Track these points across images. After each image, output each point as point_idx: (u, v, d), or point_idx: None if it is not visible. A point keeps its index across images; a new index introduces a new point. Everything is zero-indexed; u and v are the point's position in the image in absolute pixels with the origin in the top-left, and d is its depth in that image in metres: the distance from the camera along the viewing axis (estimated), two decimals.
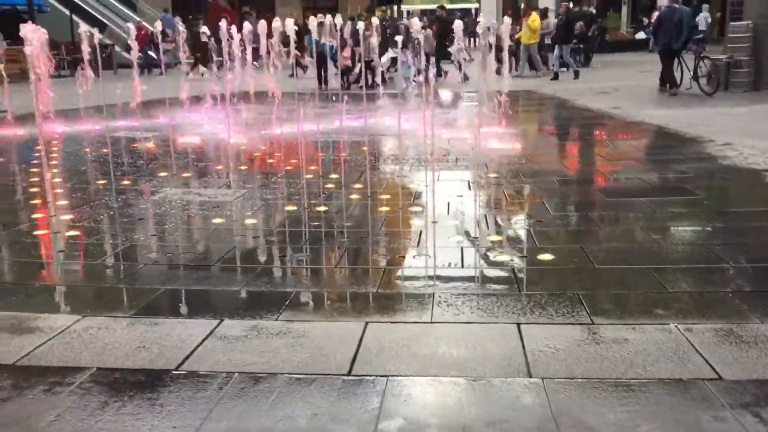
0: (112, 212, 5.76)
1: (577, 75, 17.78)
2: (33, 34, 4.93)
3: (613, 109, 11.95)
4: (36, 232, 5.23)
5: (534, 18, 18.82)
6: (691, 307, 3.59)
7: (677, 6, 13.94)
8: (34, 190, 6.63)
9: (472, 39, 20.06)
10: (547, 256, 4.43)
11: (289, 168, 7.47)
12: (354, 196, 6.16)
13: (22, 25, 5.10)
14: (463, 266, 4.31)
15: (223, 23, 8.66)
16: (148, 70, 21.82)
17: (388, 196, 6.20)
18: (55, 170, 7.63)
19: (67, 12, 23.48)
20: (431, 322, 3.46)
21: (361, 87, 17.28)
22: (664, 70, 13.90)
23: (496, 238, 4.88)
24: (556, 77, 17.71)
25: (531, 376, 2.87)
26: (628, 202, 5.77)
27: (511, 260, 4.38)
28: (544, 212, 5.51)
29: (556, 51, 18.52)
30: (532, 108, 13.68)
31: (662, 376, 2.84)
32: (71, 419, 2.62)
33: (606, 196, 6.11)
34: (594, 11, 23.47)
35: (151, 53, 21.90)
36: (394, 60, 18.25)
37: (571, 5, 20.50)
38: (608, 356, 3.03)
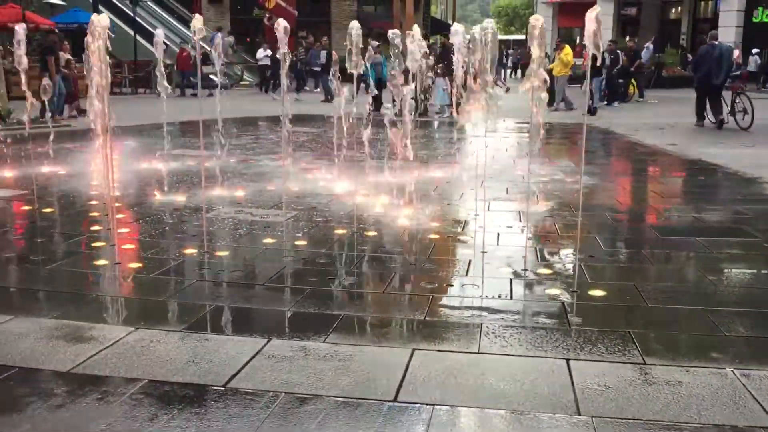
0: (167, 227, 5.89)
1: (593, 112, 17.33)
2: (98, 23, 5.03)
3: (669, 145, 11.75)
4: (94, 243, 5.38)
5: (567, 51, 18.70)
6: (748, 352, 3.48)
7: (717, 42, 14.25)
8: (94, 202, 6.84)
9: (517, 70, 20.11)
10: (598, 292, 4.36)
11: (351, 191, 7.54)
12: (404, 222, 6.18)
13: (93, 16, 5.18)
14: (511, 298, 4.27)
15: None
16: (182, 92, 22.22)
17: (437, 224, 6.20)
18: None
19: (132, 32, 24.31)
20: (478, 353, 3.43)
21: (420, 114, 17.50)
22: (698, 104, 14.43)
23: (546, 271, 4.82)
24: (592, 112, 17.36)
25: (580, 414, 2.82)
26: (683, 240, 5.65)
27: (561, 294, 4.33)
28: (597, 247, 5.43)
29: (584, 84, 18.33)
30: (587, 142, 13.53)
31: (717, 422, 2.75)
32: (121, 429, 2.68)
33: (660, 233, 5.99)
34: (632, 45, 23.14)
35: (193, 78, 22.31)
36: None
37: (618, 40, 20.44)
38: (660, 398, 2.96)
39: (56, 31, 19.50)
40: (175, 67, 22.68)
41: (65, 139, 11.21)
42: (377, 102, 17.75)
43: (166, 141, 9.48)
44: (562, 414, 2.81)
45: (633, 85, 21.17)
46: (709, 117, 14.39)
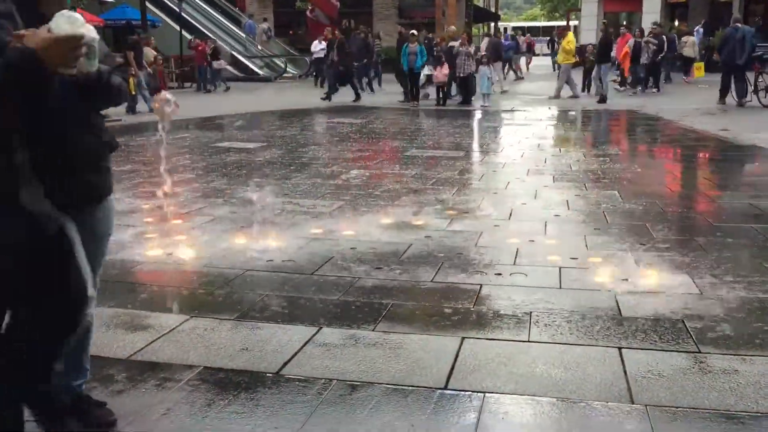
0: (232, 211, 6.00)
1: (603, 100, 16.91)
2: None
3: (721, 131, 11.45)
4: (149, 234, 5.51)
5: (569, 39, 18.66)
6: None
7: (739, 26, 15.35)
8: (151, 189, 7.01)
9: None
10: (649, 281, 4.30)
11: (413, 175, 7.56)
12: (452, 212, 6.18)
13: None
14: (561, 287, 4.23)
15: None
16: (204, 87, 21.78)
17: (487, 212, 6.18)
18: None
19: (177, 27, 24.67)
20: (528, 341, 3.42)
21: (459, 103, 17.40)
22: (723, 85, 15.33)
23: (596, 259, 4.77)
24: (602, 100, 16.93)
25: (633, 402, 2.79)
26: (737, 228, 5.52)
27: (612, 282, 4.28)
28: (648, 235, 5.34)
29: (594, 71, 17.94)
30: (636, 128, 13.29)
31: None
32: (180, 414, 2.75)
33: (714, 221, 5.87)
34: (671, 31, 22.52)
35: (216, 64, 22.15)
36: (428, 77, 18.47)
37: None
38: (716, 387, 2.91)
39: (135, 29, 20.01)
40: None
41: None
42: (409, 94, 17.71)
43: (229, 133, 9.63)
44: (615, 402, 2.79)
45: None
46: (733, 95, 15.11)
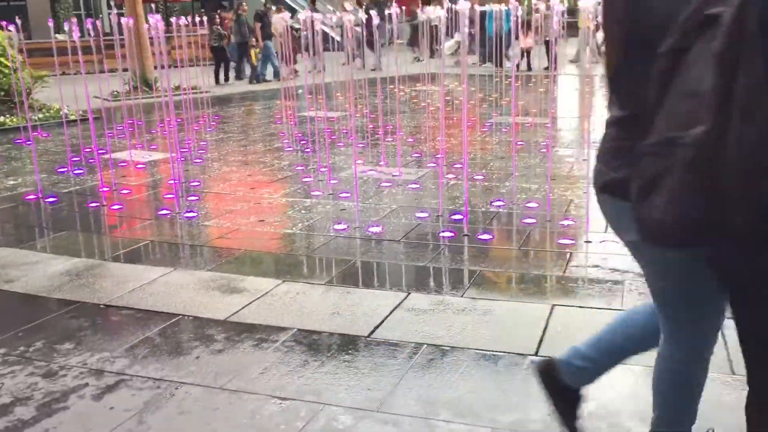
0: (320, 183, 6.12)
1: None
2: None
3: None
4: (240, 203, 5.69)
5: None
6: None
7: None
8: (251, 158, 7.21)
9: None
10: None
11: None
12: (539, 180, 6.08)
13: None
14: None
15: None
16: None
17: (573, 181, 6.05)
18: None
19: None
20: (622, 309, 3.35)
21: (545, 68, 16.97)
22: None
23: None
24: None
25: (734, 373, 2.71)
26: None
27: None
28: None
29: None
30: None
31: None
32: (276, 373, 2.86)
33: None
34: None
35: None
36: (459, 43, 17.90)
37: None
38: None
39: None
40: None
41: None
42: (488, 57, 17.38)
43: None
44: (716, 374, 2.70)
45: None
46: None
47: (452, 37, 20.75)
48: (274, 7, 17.92)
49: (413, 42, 20.01)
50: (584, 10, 5.50)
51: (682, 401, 1.98)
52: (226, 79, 16.41)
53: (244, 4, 17.34)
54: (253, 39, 16.39)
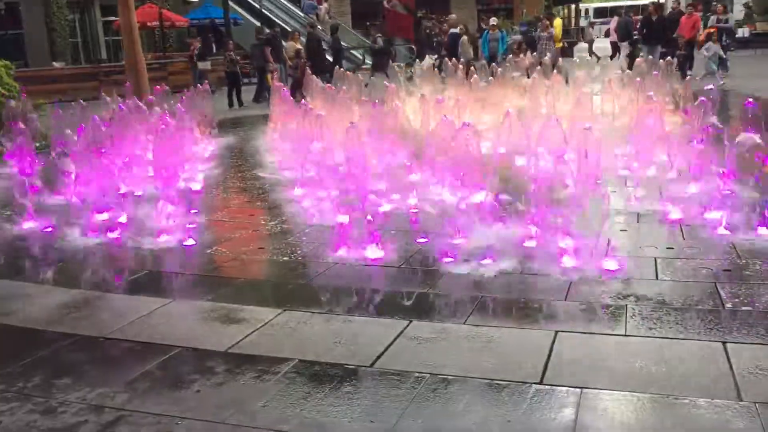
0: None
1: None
2: None
3: None
4: (237, 230, 5.67)
5: (556, 24, 18.70)
6: None
7: None
8: (239, 185, 7.19)
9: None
10: (752, 270, 4.10)
11: None
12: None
13: None
14: (657, 278, 4.09)
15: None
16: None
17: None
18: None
19: (258, 24, 25.16)
20: (625, 335, 3.33)
21: None
22: None
23: (692, 250, 4.58)
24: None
25: (741, 400, 2.68)
26: None
27: (712, 272, 4.10)
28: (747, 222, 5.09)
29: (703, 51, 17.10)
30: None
31: None
32: (278, 406, 2.82)
33: None
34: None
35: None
36: (433, 65, 18.41)
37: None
38: None
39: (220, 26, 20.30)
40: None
41: None
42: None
43: None
44: (721, 399, 2.68)
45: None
46: None
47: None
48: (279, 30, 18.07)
49: (377, 68, 19.81)
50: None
51: None
52: (240, 104, 16.46)
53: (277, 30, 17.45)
54: (270, 64, 16.50)
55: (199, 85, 18.85)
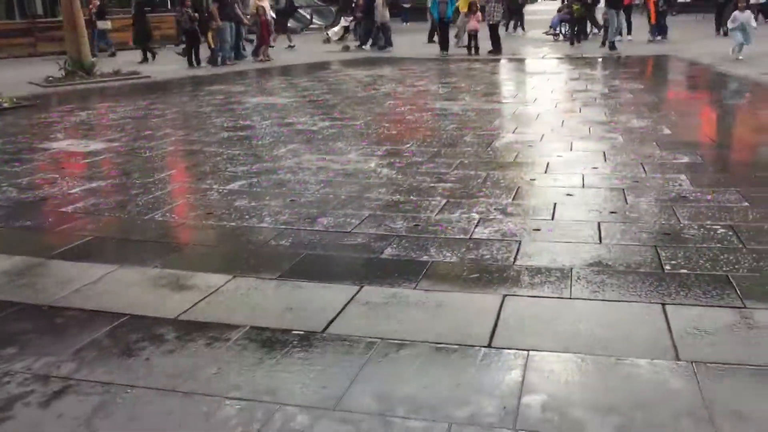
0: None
1: (613, 47, 16.49)
2: None
3: (764, 75, 11.12)
4: (187, 195, 5.57)
5: None
6: None
7: None
8: (193, 147, 7.05)
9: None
10: (691, 233, 4.25)
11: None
12: (484, 168, 6.14)
13: None
14: (600, 242, 4.21)
15: None
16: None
17: (520, 165, 6.13)
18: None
19: None
20: (570, 298, 3.42)
21: (489, 52, 17.09)
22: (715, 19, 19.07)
23: (635, 213, 4.72)
24: (612, 47, 16.43)
25: (679, 359, 2.79)
26: None
27: (653, 237, 4.23)
28: (689, 186, 5.26)
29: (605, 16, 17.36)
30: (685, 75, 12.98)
31: None
32: (231, 373, 2.82)
33: (760, 171, 5.74)
34: None
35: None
36: (345, 29, 18.84)
37: None
38: (764, 342, 2.89)
39: None
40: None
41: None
42: (443, 43, 17.54)
43: None
44: (660, 360, 2.79)
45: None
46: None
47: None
48: None
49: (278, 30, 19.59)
50: None
51: None
52: (198, 62, 16.05)
53: None
54: (214, 22, 16.06)
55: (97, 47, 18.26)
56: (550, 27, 20.33)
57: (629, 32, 19.07)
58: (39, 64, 16.88)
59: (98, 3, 19.36)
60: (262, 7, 16.78)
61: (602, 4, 18.73)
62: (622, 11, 17.19)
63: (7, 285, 3.79)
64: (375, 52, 18.86)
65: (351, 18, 19.72)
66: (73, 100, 11.73)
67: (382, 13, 18.45)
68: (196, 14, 16.29)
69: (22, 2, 25.62)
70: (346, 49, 18.95)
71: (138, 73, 14.42)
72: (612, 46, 16.52)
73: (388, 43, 19.01)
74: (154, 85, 13.31)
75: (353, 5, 20.43)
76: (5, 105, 10.21)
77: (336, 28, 19.74)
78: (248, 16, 17.38)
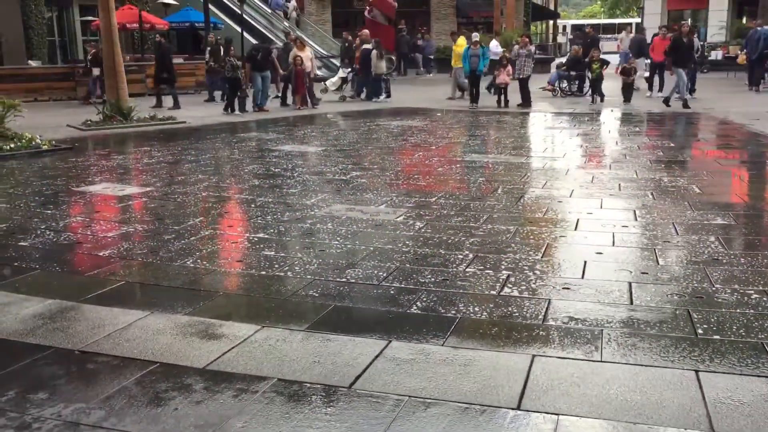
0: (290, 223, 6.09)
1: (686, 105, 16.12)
2: None
3: None
4: (218, 242, 5.64)
5: (459, 43, 19.04)
6: None
7: (758, 28, 19.38)
8: (225, 195, 7.16)
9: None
10: (724, 296, 4.19)
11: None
12: (513, 223, 6.14)
13: None
14: (631, 303, 4.16)
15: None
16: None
17: (550, 221, 6.12)
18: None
19: (239, 29, 25.11)
20: (601, 361, 3.38)
21: (519, 105, 17.23)
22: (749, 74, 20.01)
23: (666, 275, 4.67)
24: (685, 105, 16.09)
25: (714, 430, 2.73)
26: None
27: (686, 300, 4.18)
28: (722, 248, 5.20)
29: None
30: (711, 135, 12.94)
31: None
32: (257, 426, 2.82)
33: None
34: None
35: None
36: (343, 80, 19.23)
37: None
38: None
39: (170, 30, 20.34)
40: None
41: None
42: (474, 96, 17.73)
43: None
44: (694, 430, 2.73)
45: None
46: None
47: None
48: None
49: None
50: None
51: None
52: (242, 109, 16.30)
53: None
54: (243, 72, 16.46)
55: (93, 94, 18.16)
56: (548, 83, 20.51)
57: (660, 89, 19.00)
58: (78, 107, 17.37)
59: (94, 51, 19.39)
60: (300, 57, 17.13)
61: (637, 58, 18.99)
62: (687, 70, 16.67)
63: (40, 328, 3.85)
64: (373, 104, 18.97)
65: (349, 69, 20.21)
66: (110, 144, 12.03)
67: (378, 65, 19.05)
68: (239, 62, 16.63)
69: (65, 48, 26.53)
70: (343, 99, 19.36)
71: (174, 119, 14.75)
72: (685, 104, 15.92)
73: (388, 94, 19.55)
74: (188, 131, 13.59)
75: (349, 58, 21.05)
76: (44, 147, 10.49)
77: (334, 79, 20.18)
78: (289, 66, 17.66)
